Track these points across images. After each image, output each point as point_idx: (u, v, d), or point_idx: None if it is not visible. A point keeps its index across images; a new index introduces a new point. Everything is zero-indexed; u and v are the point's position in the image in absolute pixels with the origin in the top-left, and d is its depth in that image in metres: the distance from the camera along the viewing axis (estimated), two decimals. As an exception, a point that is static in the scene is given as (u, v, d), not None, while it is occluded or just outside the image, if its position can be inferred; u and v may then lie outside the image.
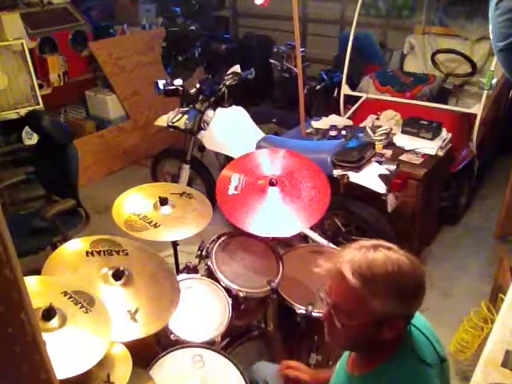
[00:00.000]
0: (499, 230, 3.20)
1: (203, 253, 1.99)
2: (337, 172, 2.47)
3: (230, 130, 2.92)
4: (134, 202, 1.96)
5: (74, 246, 1.66)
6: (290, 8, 2.93)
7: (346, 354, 1.25)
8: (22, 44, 3.54)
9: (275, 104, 5.03)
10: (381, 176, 2.46)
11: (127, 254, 1.68)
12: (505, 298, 1.47)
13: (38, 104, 3.63)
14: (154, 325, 1.49)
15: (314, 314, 1.79)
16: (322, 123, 3.34)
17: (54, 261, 1.57)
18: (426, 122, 3.02)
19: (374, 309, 0.99)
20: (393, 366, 1.06)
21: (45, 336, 1.05)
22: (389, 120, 3.25)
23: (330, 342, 1.13)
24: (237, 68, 3.09)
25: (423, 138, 2.98)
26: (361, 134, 3.10)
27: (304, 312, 1.86)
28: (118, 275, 1.56)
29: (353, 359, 1.20)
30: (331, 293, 1.06)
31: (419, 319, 1.15)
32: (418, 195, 2.73)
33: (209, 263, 1.92)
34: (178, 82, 2.87)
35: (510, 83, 3.38)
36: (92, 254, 1.63)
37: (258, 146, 2.74)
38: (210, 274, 1.91)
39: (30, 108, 3.53)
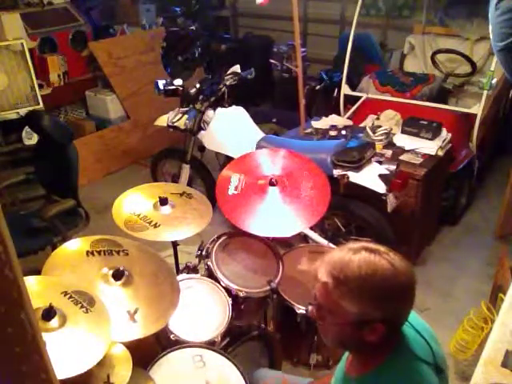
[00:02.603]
0: (499, 229, 3.20)
1: (203, 253, 1.99)
2: (337, 172, 2.47)
3: (230, 130, 2.92)
4: (134, 202, 1.96)
5: (74, 246, 1.66)
6: (290, 8, 2.93)
7: (346, 355, 1.25)
8: (22, 44, 3.54)
9: (275, 104, 5.03)
10: (381, 176, 2.46)
11: (127, 254, 1.68)
12: (505, 298, 1.47)
13: (38, 104, 3.63)
14: (153, 325, 1.49)
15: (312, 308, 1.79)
16: (322, 123, 3.34)
17: (53, 261, 1.57)
18: (425, 122, 3.02)
19: (347, 310, 1.00)
20: (390, 368, 1.06)
21: (45, 336, 1.05)
22: (389, 120, 3.25)
23: (323, 338, 1.15)
24: (237, 68, 3.09)
25: (423, 137, 2.98)
26: (361, 134, 3.10)
27: (304, 312, 1.87)
28: (117, 275, 1.56)
29: (350, 360, 1.20)
30: (316, 292, 1.08)
31: (417, 320, 1.14)
32: (417, 195, 2.73)
33: (209, 263, 1.92)
34: (178, 82, 2.87)
35: (510, 83, 3.38)
36: (92, 253, 1.63)
37: (258, 146, 2.74)
38: (210, 274, 1.91)
39: (30, 108, 3.53)
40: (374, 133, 3.05)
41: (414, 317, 1.12)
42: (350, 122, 3.38)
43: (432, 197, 2.94)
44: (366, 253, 1.02)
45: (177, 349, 1.60)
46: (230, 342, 1.80)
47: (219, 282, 1.86)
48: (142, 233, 1.81)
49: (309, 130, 3.26)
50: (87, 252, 1.63)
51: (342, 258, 1.03)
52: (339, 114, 3.63)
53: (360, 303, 0.99)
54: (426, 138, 2.97)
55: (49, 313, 1.26)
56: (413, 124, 3.04)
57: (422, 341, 1.10)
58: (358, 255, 1.02)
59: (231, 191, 2.03)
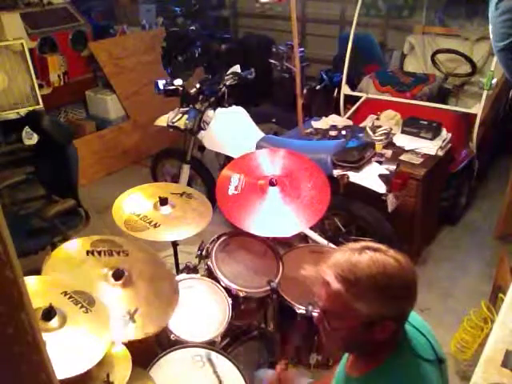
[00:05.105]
0: (499, 230, 3.20)
1: (203, 253, 1.99)
2: (337, 172, 2.47)
3: (230, 130, 2.92)
4: (134, 202, 1.96)
5: (75, 246, 1.66)
6: (289, 8, 2.93)
7: (345, 356, 1.25)
8: (22, 44, 3.54)
9: (275, 104, 5.03)
10: (381, 176, 2.46)
11: (127, 255, 1.68)
12: (505, 298, 1.47)
13: (38, 104, 3.63)
14: (153, 325, 1.49)
15: (314, 314, 1.79)
16: (322, 123, 3.34)
17: (54, 261, 1.57)
18: (425, 122, 3.02)
19: (360, 312, 0.99)
20: (392, 367, 1.06)
21: (45, 336, 1.05)
22: (389, 120, 3.25)
23: (326, 344, 1.13)
24: (237, 68, 3.09)
25: (423, 137, 2.98)
26: (361, 134, 3.10)
27: (304, 312, 1.87)
28: (117, 275, 1.56)
29: (351, 361, 1.19)
30: (320, 297, 1.07)
31: (415, 318, 1.14)
32: (417, 195, 2.73)
33: (209, 263, 1.92)
34: (178, 82, 2.87)
35: (510, 83, 3.38)
36: (92, 253, 1.63)
37: (258, 146, 2.74)
38: (210, 274, 1.91)
39: (30, 108, 3.53)
40: (374, 133, 3.05)
41: (412, 314, 1.13)
42: (350, 122, 3.39)
43: (432, 197, 2.94)
44: (371, 252, 1.01)
45: (177, 349, 1.60)
46: (230, 342, 1.80)
47: (219, 282, 1.86)
48: (142, 233, 1.81)
49: (309, 130, 3.27)
50: (87, 252, 1.63)
51: (348, 260, 1.01)
52: (339, 114, 3.63)
53: (372, 303, 0.99)
54: (426, 138, 2.97)
55: (49, 313, 1.26)
56: (413, 124, 3.05)
57: (421, 337, 1.11)
58: (364, 255, 1.01)
59: (231, 191, 2.03)
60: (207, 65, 5.14)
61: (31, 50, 3.71)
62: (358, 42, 3.76)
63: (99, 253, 1.64)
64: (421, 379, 1.05)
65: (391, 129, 3.10)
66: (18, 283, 0.60)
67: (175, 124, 3.03)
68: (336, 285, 1.01)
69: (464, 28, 3.92)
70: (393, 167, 2.56)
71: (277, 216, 1.97)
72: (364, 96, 3.58)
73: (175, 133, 3.13)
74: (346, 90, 3.66)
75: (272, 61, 4.82)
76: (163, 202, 1.94)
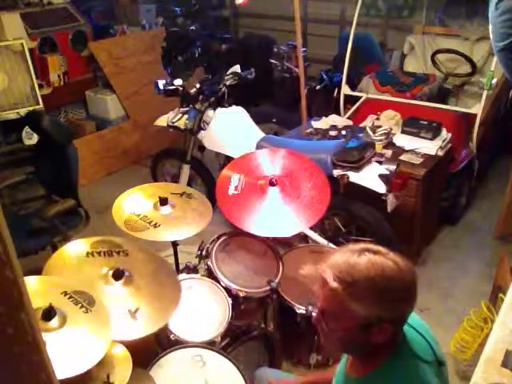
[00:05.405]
0: (499, 230, 3.19)
1: (203, 253, 1.99)
2: (337, 172, 2.47)
3: (230, 130, 2.92)
4: (134, 202, 1.96)
5: (75, 248, 1.66)
6: (290, 8, 2.93)
7: (345, 357, 1.25)
8: (22, 44, 3.54)
9: (275, 104, 5.03)
10: (381, 176, 2.46)
11: (127, 255, 1.68)
12: (505, 298, 1.47)
13: (38, 104, 3.63)
14: (154, 324, 1.49)
15: (314, 314, 1.79)
16: (322, 123, 3.34)
17: (54, 263, 1.57)
18: (426, 122, 3.02)
19: (358, 313, 0.99)
20: (391, 369, 1.06)
21: (45, 336, 1.05)
22: (389, 120, 3.25)
23: (324, 345, 1.14)
24: (237, 68, 3.09)
25: (423, 137, 2.98)
26: (361, 134, 3.10)
27: (304, 312, 1.87)
28: (117, 275, 1.56)
29: (351, 362, 1.19)
30: (319, 297, 1.07)
31: (415, 319, 1.14)
32: (417, 195, 2.73)
33: (209, 263, 1.92)
34: (178, 82, 2.87)
35: (510, 83, 3.39)
36: (92, 254, 1.63)
37: (258, 146, 2.74)
38: (210, 274, 1.91)
39: (30, 108, 3.53)
40: (374, 133, 3.05)
41: (411, 315, 1.13)
42: (350, 122, 3.38)
43: (432, 197, 2.94)
44: (370, 254, 1.01)
45: (177, 349, 1.60)
46: (230, 342, 1.80)
47: (219, 282, 1.86)
48: (142, 233, 1.81)
49: (309, 130, 3.27)
50: (87, 253, 1.63)
51: (346, 261, 1.01)
52: (339, 114, 3.63)
53: (369, 305, 0.99)
54: (426, 138, 2.97)
55: (49, 313, 1.26)
56: (413, 124, 3.04)
57: (420, 339, 1.11)
58: (363, 257, 1.01)
59: (231, 191, 2.03)
60: (207, 65, 5.14)
61: (31, 50, 3.71)
62: (358, 42, 3.76)
63: (99, 253, 1.64)
64: (419, 381, 1.04)
65: (391, 129, 3.10)
66: (18, 283, 0.60)
67: (175, 124, 3.03)
68: (334, 285, 1.01)
69: (464, 28, 3.91)
70: (393, 167, 2.56)
71: (277, 216, 1.97)
72: (364, 96, 3.58)
73: (175, 133, 3.13)
74: (346, 90, 3.65)
75: (272, 61, 4.82)
76: (163, 201, 1.94)
